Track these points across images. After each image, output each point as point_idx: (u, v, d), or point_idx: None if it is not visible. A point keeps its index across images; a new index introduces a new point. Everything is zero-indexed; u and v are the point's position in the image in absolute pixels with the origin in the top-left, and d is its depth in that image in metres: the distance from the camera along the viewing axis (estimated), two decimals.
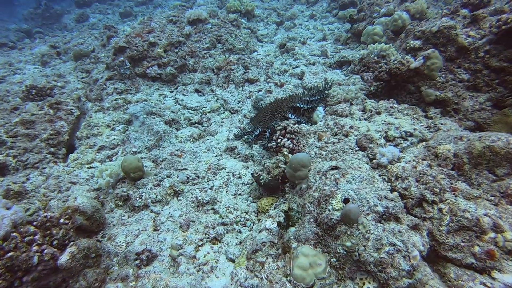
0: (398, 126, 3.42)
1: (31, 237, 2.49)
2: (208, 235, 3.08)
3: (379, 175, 2.95)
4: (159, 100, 6.12)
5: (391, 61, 4.46)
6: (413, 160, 2.96)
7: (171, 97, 6.39)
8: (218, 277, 2.70)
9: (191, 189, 3.62)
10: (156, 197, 3.53)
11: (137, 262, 2.85)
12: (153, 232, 3.16)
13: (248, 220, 3.25)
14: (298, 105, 4.37)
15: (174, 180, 3.72)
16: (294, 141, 3.73)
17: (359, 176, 2.70)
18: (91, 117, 5.56)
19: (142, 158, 4.40)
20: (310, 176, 3.01)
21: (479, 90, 3.84)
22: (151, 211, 3.43)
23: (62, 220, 2.74)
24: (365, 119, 3.87)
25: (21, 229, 2.50)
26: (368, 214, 2.32)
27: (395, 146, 3.22)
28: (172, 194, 3.60)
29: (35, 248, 2.45)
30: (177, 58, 6.99)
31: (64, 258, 2.53)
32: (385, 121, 3.61)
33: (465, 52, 3.98)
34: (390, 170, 2.95)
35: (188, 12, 8.06)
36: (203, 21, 8.06)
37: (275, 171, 3.33)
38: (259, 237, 2.83)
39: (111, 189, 3.78)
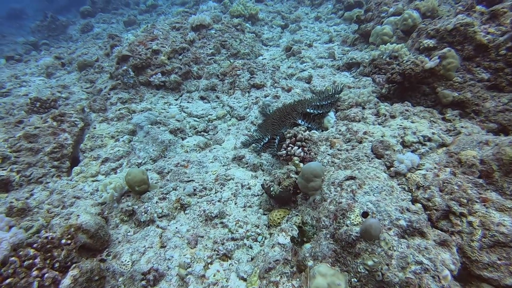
0: (415, 131, 3.21)
1: (31, 261, 2.35)
2: (218, 252, 2.90)
3: (398, 185, 2.75)
4: (164, 109, 5.99)
5: (404, 61, 4.26)
6: (435, 168, 2.75)
7: (176, 105, 6.27)
8: None
9: (198, 202, 3.45)
10: (162, 211, 3.37)
11: (143, 282, 2.69)
12: (160, 249, 3.00)
13: (259, 234, 3.07)
14: (307, 110, 4.19)
15: (181, 193, 3.56)
16: (305, 149, 3.54)
17: (377, 187, 2.52)
18: (95, 128, 5.46)
19: (147, 169, 4.27)
20: (324, 187, 2.82)
21: (502, 90, 3.61)
22: (157, 226, 3.27)
23: (64, 241, 2.61)
24: (379, 124, 3.67)
25: (21, 253, 2.36)
26: (390, 229, 2.14)
27: (413, 152, 3.01)
28: (179, 207, 3.43)
29: (35, 272, 2.31)
30: (181, 65, 6.87)
31: (66, 283, 2.39)
32: (401, 125, 3.39)
33: (484, 50, 3.76)
34: (410, 178, 2.74)
35: (191, 18, 7.98)
36: (207, 26, 7.96)
37: (286, 181, 3.15)
38: (271, 254, 2.65)
39: (115, 203, 3.64)
